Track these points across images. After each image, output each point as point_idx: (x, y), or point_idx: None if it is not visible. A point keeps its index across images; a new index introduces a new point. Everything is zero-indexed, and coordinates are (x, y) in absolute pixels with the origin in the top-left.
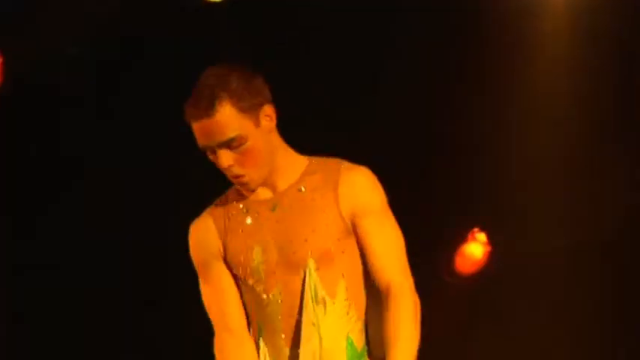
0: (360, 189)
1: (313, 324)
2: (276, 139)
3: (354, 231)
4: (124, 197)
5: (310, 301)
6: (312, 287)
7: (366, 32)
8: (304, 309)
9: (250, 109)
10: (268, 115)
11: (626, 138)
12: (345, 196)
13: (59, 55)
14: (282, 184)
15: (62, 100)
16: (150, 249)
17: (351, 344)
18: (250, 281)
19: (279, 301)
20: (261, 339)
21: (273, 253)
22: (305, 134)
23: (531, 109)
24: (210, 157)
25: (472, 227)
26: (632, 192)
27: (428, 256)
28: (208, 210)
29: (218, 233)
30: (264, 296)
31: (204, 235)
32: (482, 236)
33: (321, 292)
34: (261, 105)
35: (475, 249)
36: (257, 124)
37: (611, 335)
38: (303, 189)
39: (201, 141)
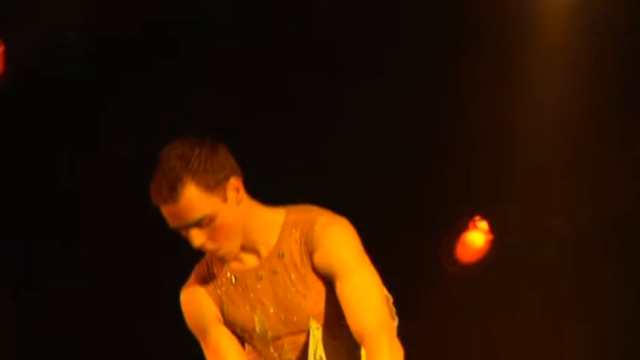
0: (331, 249)
1: None
2: (247, 207)
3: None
4: (123, 193)
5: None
6: (314, 347)
7: (366, 31)
8: None
9: (216, 186)
10: (235, 187)
11: (626, 132)
12: (318, 260)
13: (61, 45)
14: (264, 250)
15: (62, 94)
16: (150, 253)
17: None
18: (258, 344)
19: (291, 358)
20: None
21: (273, 317)
22: (305, 133)
23: (534, 101)
24: (183, 233)
25: (473, 215)
26: (632, 185)
27: (429, 244)
28: (195, 277)
29: (213, 300)
30: (276, 355)
31: (198, 302)
32: (483, 224)
33: (320, 351)
34: (226, 179)
35: (476, 237)
36: (224, 199)
37: (612, 326)
38: (283, 254)
39: (170, 223)
